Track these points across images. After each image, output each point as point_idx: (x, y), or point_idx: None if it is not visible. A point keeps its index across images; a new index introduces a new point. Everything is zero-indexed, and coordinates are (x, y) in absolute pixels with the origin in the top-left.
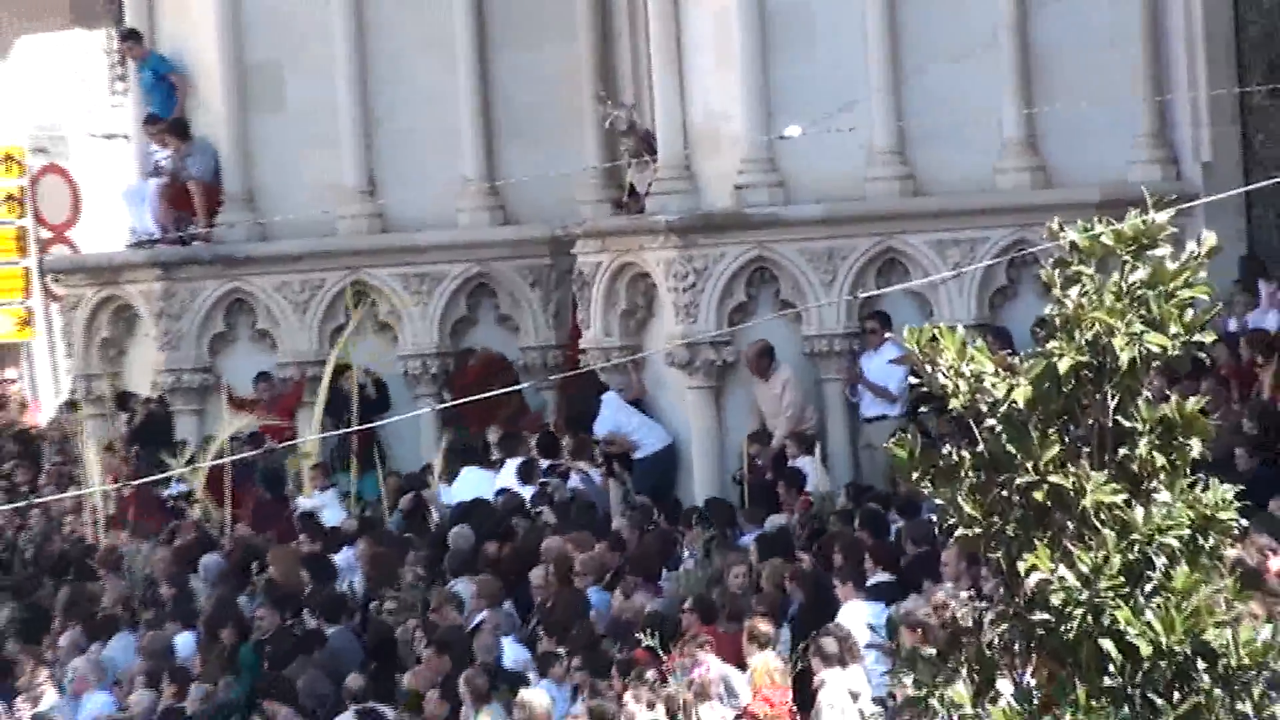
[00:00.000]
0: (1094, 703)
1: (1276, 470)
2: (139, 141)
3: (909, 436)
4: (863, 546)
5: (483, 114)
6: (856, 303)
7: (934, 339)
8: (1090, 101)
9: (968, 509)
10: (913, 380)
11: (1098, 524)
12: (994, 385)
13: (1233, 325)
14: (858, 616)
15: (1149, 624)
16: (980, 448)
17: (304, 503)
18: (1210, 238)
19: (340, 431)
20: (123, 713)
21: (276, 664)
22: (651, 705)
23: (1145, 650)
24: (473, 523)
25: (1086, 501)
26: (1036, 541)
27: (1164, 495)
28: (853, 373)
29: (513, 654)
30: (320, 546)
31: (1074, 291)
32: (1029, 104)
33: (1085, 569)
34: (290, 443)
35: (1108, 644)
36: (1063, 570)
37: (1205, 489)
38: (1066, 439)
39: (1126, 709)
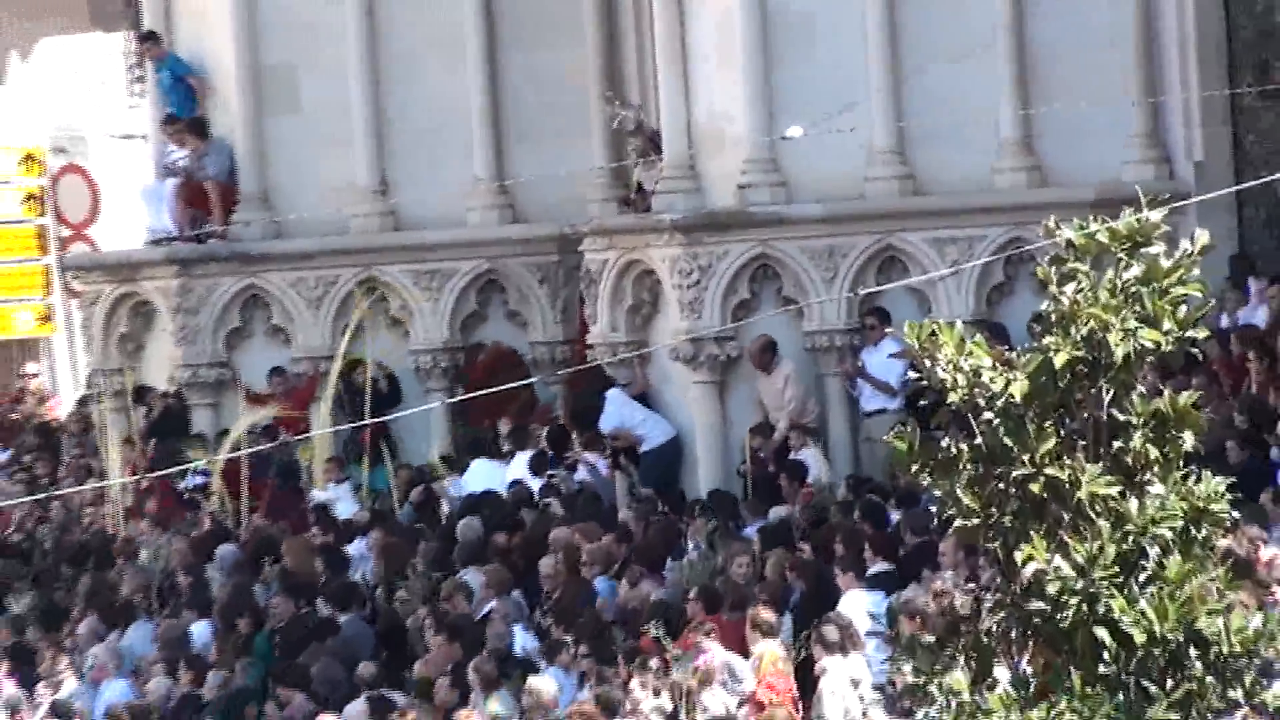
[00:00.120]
0: (1089, 689)
1: (1266, 463)
2: (157, 142)
3: (908, 430)
4: (862, 537)
5: (492, 115)
6: (857, 299)
7: (933, 334)
8: (1085, 103)
9: (966, 500)
10: (912, 374)
11: (1093, 515)
12: (991, 380)
13: (1224, 321)
14: (858, 605)
15: (1143, 612)
16: (978, 441)
17: (319, 495)
18: (1203, 236)
19: (353, 425)
20: (141, 700)
21: (290, 652)
22: (657, 692)
23: (1139, 638)
24: (482, 514)
25: (1082, 493)
26: (1033, 532)
27: (1157, 487)
28: (853, 367)
29: (522, 642)
30: (332, 538)
31: (1070, 288)
32: (1025, 105)
33: (1080, 559)
34: (303, 436)
35: (1102, 632)
36: (1058, 560)
37: (1197, 481)
38: (1062, 432)
39: (1121, 696)
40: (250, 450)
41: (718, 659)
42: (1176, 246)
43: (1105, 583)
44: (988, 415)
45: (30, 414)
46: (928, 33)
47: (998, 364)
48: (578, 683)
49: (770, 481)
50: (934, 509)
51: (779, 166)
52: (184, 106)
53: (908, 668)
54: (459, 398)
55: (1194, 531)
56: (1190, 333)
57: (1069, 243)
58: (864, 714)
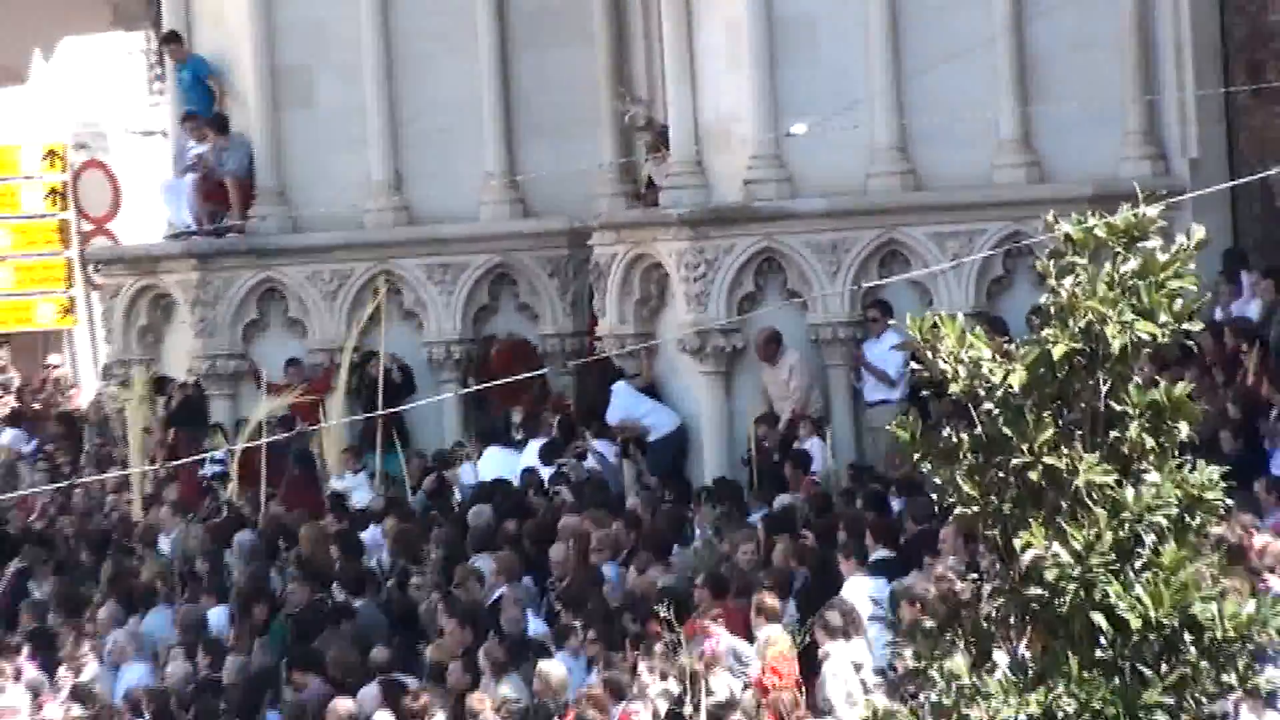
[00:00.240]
0: (1086, 673)
1: (1259, 452)
2: (176, 138)
3: (910, 419)
4: (864, 524)
5: (504, 113)
6: (860, 292)
7: (935, 327)
8: (1083, 101)
9: (966, 488)
10: (914, 366)
11: (1090, 503)
12: (991, 371)
13: (1218, 314)
14: (860, 591)
15: (1138, 598)
16: (978, 430)
17: (336, 484)
18: (1198, 231)
19: (368, 415)
20: (160, 683)
21: (305, 636)
22: (664, 676)
23: (1135, 623)
24: (493, 502)
25: (1079, 481)
26: (1031, 520)
27: (1153, 476)
28: (856, 358)
29: (532, 627)
30: (347, 525)
31: (1068, 281)
32: (1024, 103)
33: (1078, 546)
34: (319, 426)
35: (1099, 617)
36: (1056, 547)
37: (1192, 470)
38: (1060, 422)
39: (1117, 679)
40: (265, 440)
41: (724, 644)
42: (1172, 241)
43: (1102, 569)
44: (987, 405)
45: (51, 402)
46: (928, 34)
47: (997, 355)
48: (586, 667)
49: (775, 470)
50: (935, 497)
51: (784, 163)
52: (204, 105)
53: (909, 652)
54: (471, 388)
55: (1188, 519)
56: (1185, 325)
57: (1067, 237)
58: (866, 697)
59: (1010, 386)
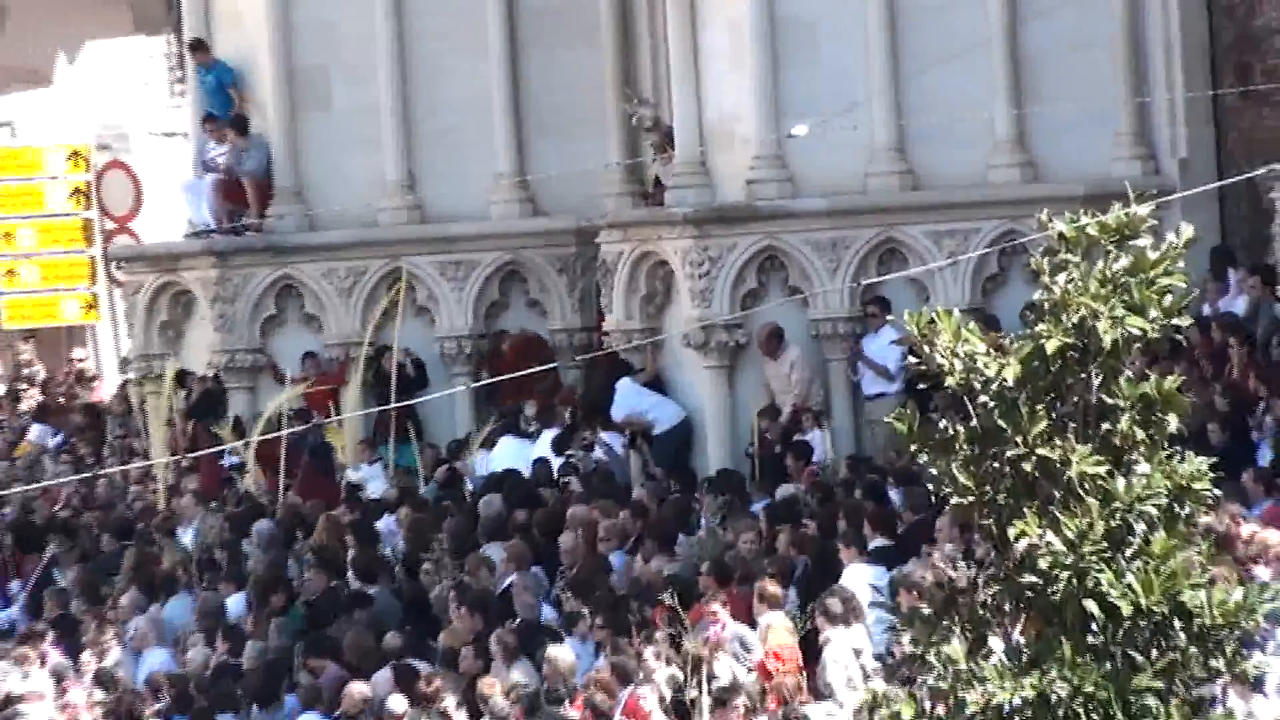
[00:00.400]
0: (1078, 659)
1: (1246, 444)
2: (196, 139)
3: (908, 412)
4: (863, 513)
5: (514, 114)
6: (859, 289)
7: (932, 322)
8: (1075, 102)
9: (962, 479)
10: (911, 360)
11: (1082, 493)
12: (986, 365)
13: (1206, 310)
14: (860, 579)
15: (1129, 586)
16: (973, 422)
17: (352, 475)
18: (1188, 229)
19: (382, 408)
20: (180, 668)
21: (321, 623)
22: (669, 661)
23: (1126, 610)
24: (503, 492)
25: (1072, 472)
26: (1025, 509)
27: (1143, 467)
28: (855, 353)
29: (541, 614)
30: (359, 515)
31: (1061, 278)
32: (1019, 105)
33: (1071, 535)
34: (336, 418)
35: (1091, 604)
36: (1050, 536)
37: (1182, 461)
38: (1053, 414)
39: (1108, 665)
40: (279, 433)
41: (729, 629)
42: (1162, 240)
43: (1094, 557)
44: (983, 398)
45: (73, 394)
46: (926, 37)
47: (992, 350)
48: (594, 653)
49: (777, 461)
50: (931, 487)
51: (785, 163)
52: (224, 109)
53: (907, 638)
54: (483, 382)
55: (1178, 509)
56: (1175, 321)
57: (1060, 235)
58: (866, 682)
59: (1005, 380)
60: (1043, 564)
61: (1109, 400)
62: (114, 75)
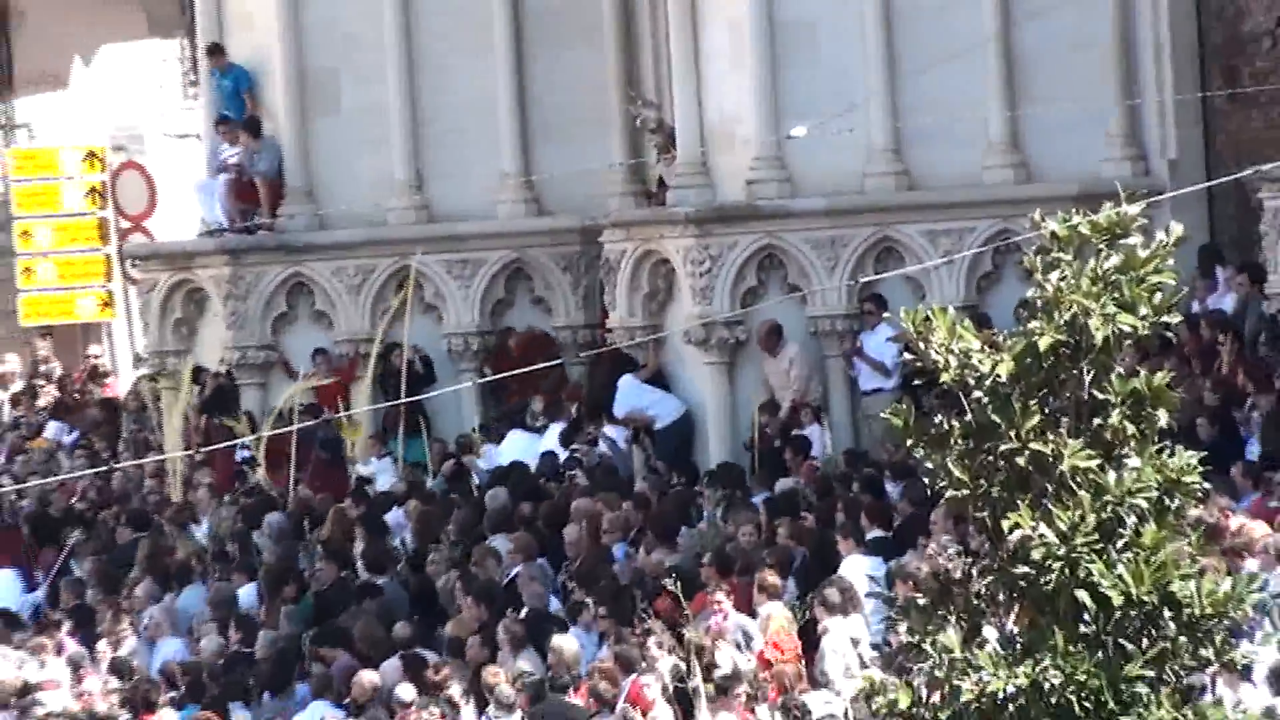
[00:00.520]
0: (1071, 648)
1: (1235, 438)
2: (209, 140)
3: (904, 407)
4: (861, 506)
5: (519, 115)
6: (856, 287)
7: (927, 319)
8: (1068, 104)
9: (957, 473)
10: (907, 356)
11: (1074, 486)
12: (980, 361)
13: (1195, 307)
14: (858, 570)
15: (1120, 577)
16: (968, 417)
17: (362, 469)
18: (1177, 229)
19: (390, 404)
20: (194, 656)
21: (332, 613)
22: (671, 650)
23: (1117, 600)
24: (509, 485)
25: (1064, 466)
26: (1019, 502)
27: (1134, 461)
28: (852, 349)
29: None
30: (364, 509)
31: (1053, 276)
32: (1012, 106)
33: (1063, 527)
34: (344, 414)
35: (1083, 594)
36: (1042, 528)
37: (1171, 455)
38: (1046, 410)
39: (1100, 653)
40: (289, 429)
41: (731, 619)
42: (1152, 238)
43: (1086, 549)
44: (977, 394)
45: (87, 391)
46: (922, 39)
47: (986, 346)
48: (597, 642)
49: (776, 455)
50: (927, 481)
51: (784, 164)
52: (238, 112)
53: (903, 627)
54: (489, 378)
55: (1168, 502)
56: (1164, 318)
57: (1053, 234)
58: (863, 670)
59: (999, 376)
60: (1036, 555)
61: (1100, 396)
62: (129, 78)
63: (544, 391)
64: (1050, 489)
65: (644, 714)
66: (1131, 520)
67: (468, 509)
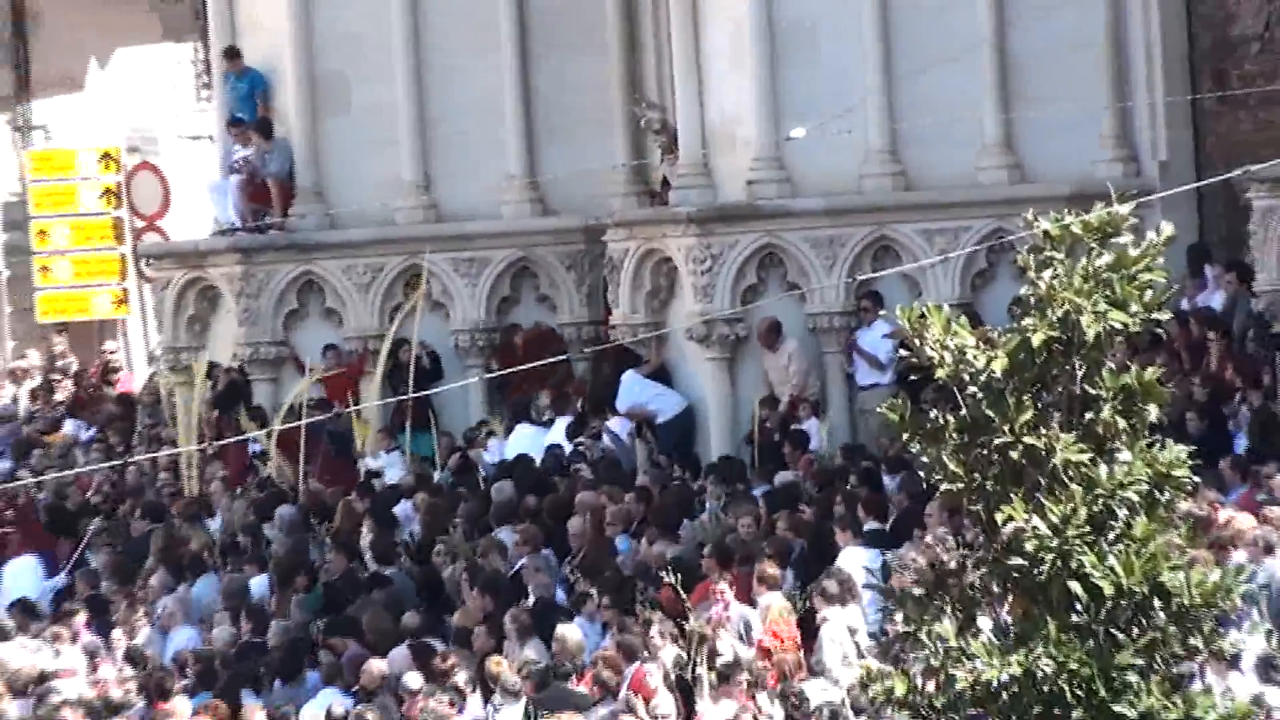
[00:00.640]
0: (1063, 637)
1: (1223, 433)
2: (222, 142)
3: (900, 402)
4: (858, 499)
5: (525, 117)
6: (854, 284)
7: (923, 316)
8: (1061, 106)
9: (952, 466)
10: (903, 352)
11: (1066, 479)
12: (975, 357)
13: (1184, 305)
14: (855, 561)
15: (1112, 568)
16: (963, 412)
17: (371, 463)
18: (1167, 228)
19: (399, 398)
20: (206, 645)
21: (342, 603)
22: (674, 640)
23: (1108, 591)
24: (514, 478)
25: (1056, 460)
26: (1012, 495)
27: (1125, 455)
28: (849, 345)
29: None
30: (370, 503)
31: (1046, 274)
32: (1007, 108)
33: (1055, 519)
34: (353, 409)
35: (1075, 585)
36: (1035, 520)
37: (1161, 449)
38: (1039, 404)
39: (1091, 642)
40: (300, 423)
41: (732, 609)
42: (1142, 237)
43: (1078, 541)
44: (971, 389)
45: (100, 387)
46: (918, 42)
47: (980, 343)
48: (601, 632)
49: (775, 449)
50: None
51: (784, 164)
52: (251, 114)
53: (900, 617)
54: (495, 373)
55: (1158, 495)
56: (1155, 315)
57: (1046, 233)
58: (860, 659)
59: (993, 371)
60: (1029, 547)
61: (1092, 391)
62: (143, 81)
63: (550, 387)
64: (1043, 482)
65: (646, 701)
66: (1122, 513)
67: (474, 501)
